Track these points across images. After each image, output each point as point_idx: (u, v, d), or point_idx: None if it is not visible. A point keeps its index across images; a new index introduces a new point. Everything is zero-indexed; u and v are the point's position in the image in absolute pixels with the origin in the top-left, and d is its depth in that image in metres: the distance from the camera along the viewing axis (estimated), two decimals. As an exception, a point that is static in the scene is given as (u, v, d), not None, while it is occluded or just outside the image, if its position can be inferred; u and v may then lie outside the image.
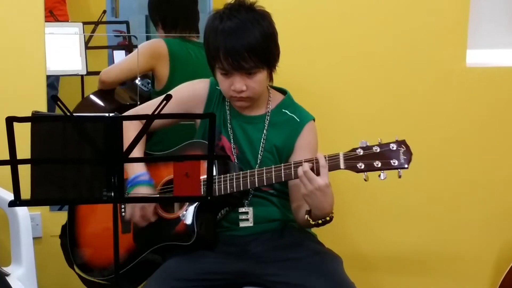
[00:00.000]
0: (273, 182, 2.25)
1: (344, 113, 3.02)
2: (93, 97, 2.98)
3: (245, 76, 2.28)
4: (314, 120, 2.44)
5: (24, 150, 1.78)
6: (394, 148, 2.17)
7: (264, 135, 2.38)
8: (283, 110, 2.42)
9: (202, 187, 2.09)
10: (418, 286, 3.22)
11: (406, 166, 2.17)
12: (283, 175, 2.23)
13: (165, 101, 1.78)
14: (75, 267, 2.44)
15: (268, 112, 2.40)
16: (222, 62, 2.25)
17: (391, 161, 2.16)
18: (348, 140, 2.75)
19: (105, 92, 2.97)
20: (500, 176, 3.18)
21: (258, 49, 2.25)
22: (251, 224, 2.37)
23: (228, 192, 2.26)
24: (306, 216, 2.26)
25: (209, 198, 1.91)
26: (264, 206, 2.39)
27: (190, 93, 2.44)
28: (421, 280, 3.22)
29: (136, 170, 2.30)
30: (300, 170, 2.17)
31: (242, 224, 2.38)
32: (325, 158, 2.17)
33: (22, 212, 2.59)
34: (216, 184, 2.26)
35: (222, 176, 2.27)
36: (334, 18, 2.96)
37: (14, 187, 1.78)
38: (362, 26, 2.97)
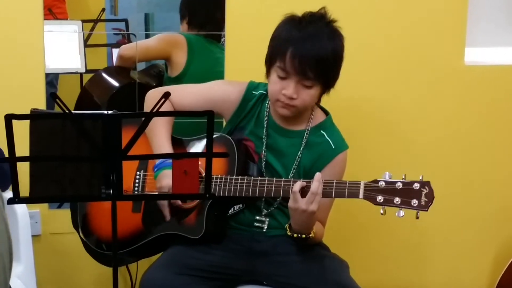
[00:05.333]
0: (272, 195, 2.24)
1: (340, 109, 3.01)
2: (102, 73, 2.98)
3: (300, 85, 2.23)
4: (347, 148, 2.38)
5: (23, 147, 1.79)
6: (417, 188, 2.11)
7: (300, 153, 2.34)
8: (321, 131, 2.37)
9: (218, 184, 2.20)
10: (416, 281, 3.23)
11: (426, 209, 2.11)
12: (281, 191, 2.22)
13: (163, 99, 1.78)
14: (80, 232, 2.44)
15: (308, 129, 2.35)
16: (287, 62, 2.20)
17: (411, 201, 2.11)
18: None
19: (117, 68, 2.97)
20: (499, 174, 3.18)
21: (325, 63, 2.22)
22: (265, 231, 2.38)
23: (231, 195, 2.26)
24: (286, 225, 2.28)
25: (207, 196, 1.91)
26: (276, 220, 2.38)
27: (222, 96, 2.40)
28: (420, 276, 3.23)
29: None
30: (293, 187, 2.17)
31: (256, 224, 2.38)
32: (320, 183, 2.14)
33: (21, 209, 2.58)
34: (221, 184, 2.26)
35: (229, 177, 2.26)
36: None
37: (13, 185, 1.78)
38: (360, 24, 2.97)
